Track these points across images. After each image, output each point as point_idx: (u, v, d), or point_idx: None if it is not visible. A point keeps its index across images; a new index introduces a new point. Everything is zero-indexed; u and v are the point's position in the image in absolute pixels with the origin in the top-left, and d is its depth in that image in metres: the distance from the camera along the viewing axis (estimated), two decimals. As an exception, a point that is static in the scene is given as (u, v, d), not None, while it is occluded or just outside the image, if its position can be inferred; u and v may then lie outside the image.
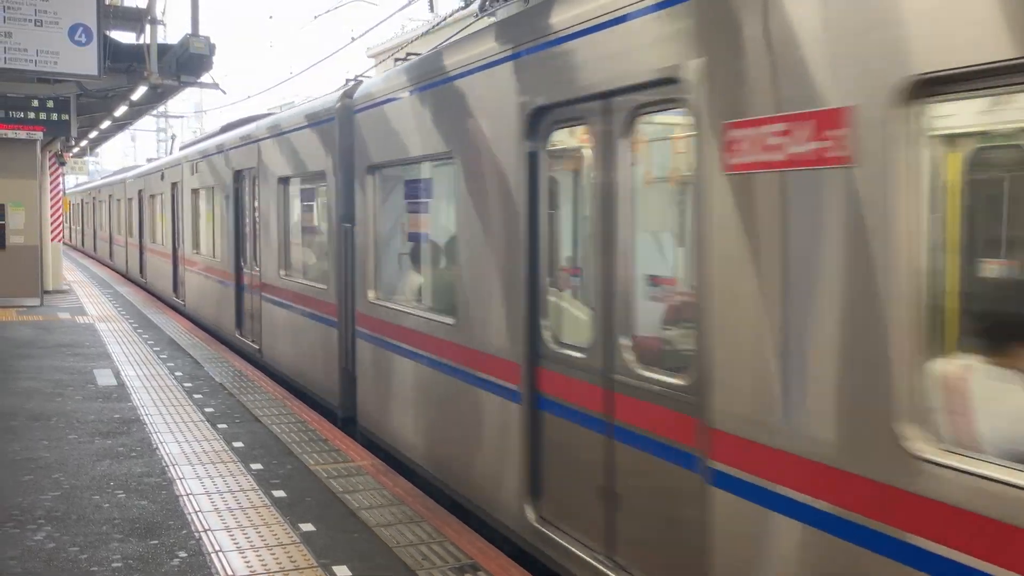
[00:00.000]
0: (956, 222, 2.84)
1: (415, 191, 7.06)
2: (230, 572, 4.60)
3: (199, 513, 5.47)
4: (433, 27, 16.06)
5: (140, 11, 12.87)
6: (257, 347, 10.78)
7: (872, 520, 2.77)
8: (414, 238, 7.20)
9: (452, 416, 5.67)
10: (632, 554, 4.01)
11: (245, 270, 11.46)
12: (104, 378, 9.84)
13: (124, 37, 13.18)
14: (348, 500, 5.76)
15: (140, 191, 21.48)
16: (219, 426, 7.68)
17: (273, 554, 4.83)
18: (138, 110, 18.78)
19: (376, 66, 27.60)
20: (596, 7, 4.11)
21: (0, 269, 16.47)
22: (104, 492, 5.90)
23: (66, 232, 42.59)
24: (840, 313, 2.88)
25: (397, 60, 7.32)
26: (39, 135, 15.87)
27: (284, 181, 9.62)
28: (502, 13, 6.35)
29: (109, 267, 28.59)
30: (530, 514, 4.73)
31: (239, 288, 11.77)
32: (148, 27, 12.40)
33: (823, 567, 2.98)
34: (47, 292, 18.12)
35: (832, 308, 2.91)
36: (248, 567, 4.66)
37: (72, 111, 14.57)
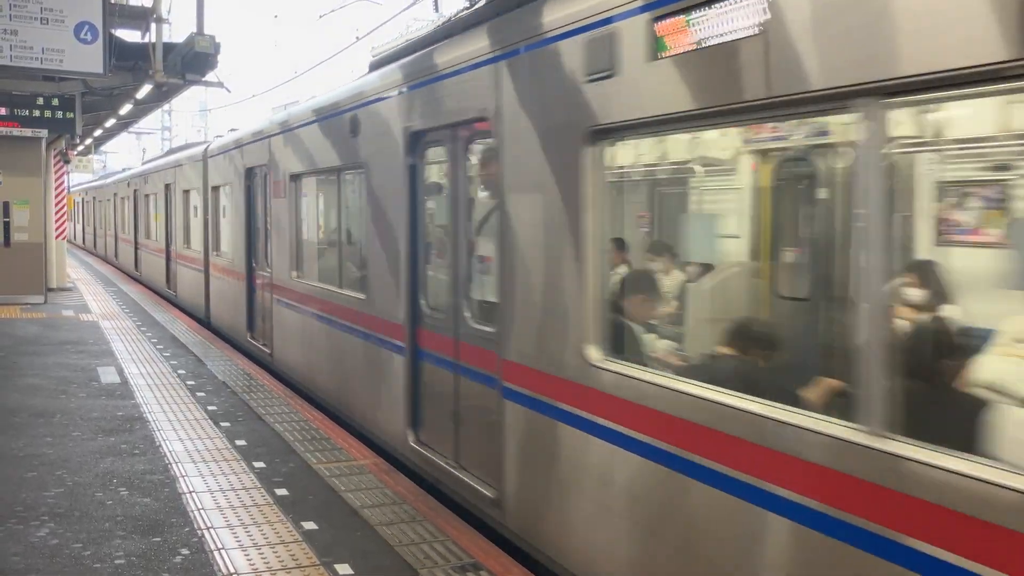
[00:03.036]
0: None
1: None
2: (232, 570, 4.61)
3: (202, 511, 5.48)
4: (438, 28, 16.05)
5: (145, 10, 12.88)
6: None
7: None
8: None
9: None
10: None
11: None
12: (107, 375, 9.86)
13: (129, 36, 13.20)
14: (350, 498, 5.77)
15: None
16: (222, 424, 7.69)
17: (275, 552, 4.84)
18: (143, 108, 18.80)
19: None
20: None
21: (5, 266, 16.50)
22: (107, 489, 5.92)
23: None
24: None
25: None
26: (44, 133, 15.91)
27: None
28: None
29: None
30: None
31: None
32: (153, 26, 12.42)
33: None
34: (51, 290, 18.16)
35: None
36: (250, 565, 4.67)
37: (77, 109, 14.60)
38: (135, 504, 5.62)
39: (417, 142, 6.25)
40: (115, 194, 28.20)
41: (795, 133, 4.21)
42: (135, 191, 23.25)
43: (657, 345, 4.59)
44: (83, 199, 41.44)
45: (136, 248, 23.37)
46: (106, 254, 31.96)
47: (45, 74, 12.46)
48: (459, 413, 5.74)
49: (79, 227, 44.42)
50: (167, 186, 17.84)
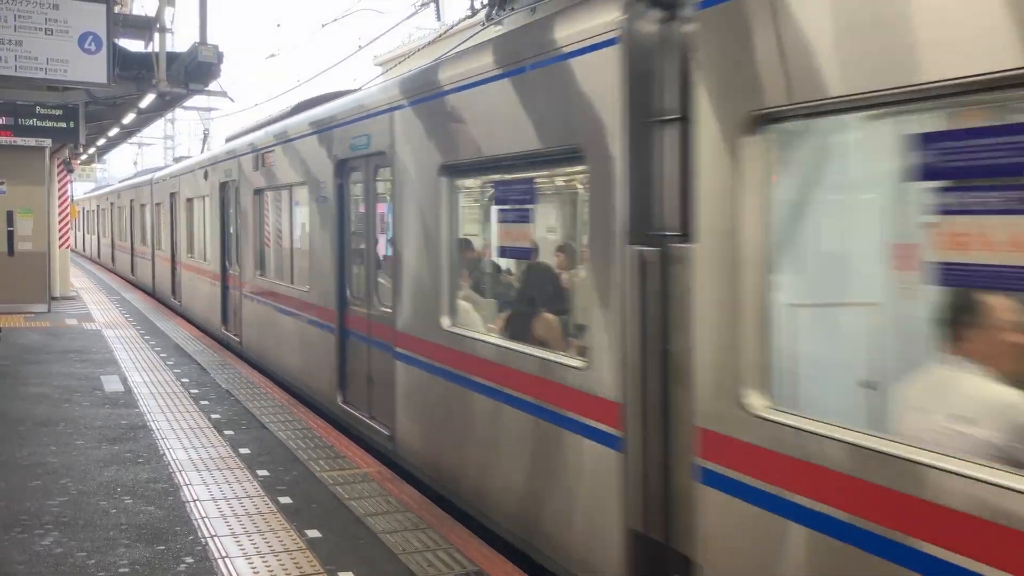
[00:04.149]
0: None
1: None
2: (236, 578, 4.62)
3: (206, 519, 5.49)
4: (440, 35, 16.13)
5: (149, 19, 12.95)
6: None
7: None
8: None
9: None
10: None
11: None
12: (111, 384, 9.88)
13: (133, 45, 13.27)
14: (354, 507, 5.77)
15: None
16: (225, 432, 7.70)
17: (279, 560, 4.85)
18: (146, 117, 18.86)
19: (383, 74, 27.71)
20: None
21: (8, 275, 16.55)
22: (111, 498, 5.93)
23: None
24: None
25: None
26: (47, 142, 15.96)
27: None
28: (508, 22, 6.39)
29: None
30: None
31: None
32: (157, 35, 12.48)
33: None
34: (55, 298, 18.20)
35: None
36: (254, 573, 4.68)
37: (80, 118, 14.65)
38: (139, 512, 5.63)
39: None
40: (172, 193, 18.00)
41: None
42: (221, 186, 13.29)
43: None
44: (111, 204, 30.09)
45: (226, 287, 13.33)
46: (154, 287, 21.01)
47: (49, 84, 12.52)
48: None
49: (101, 241, 34.95)
50: (344, 164, 8.01)
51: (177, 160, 23.06)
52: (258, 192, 11.25)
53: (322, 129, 8.55)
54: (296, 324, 9.50)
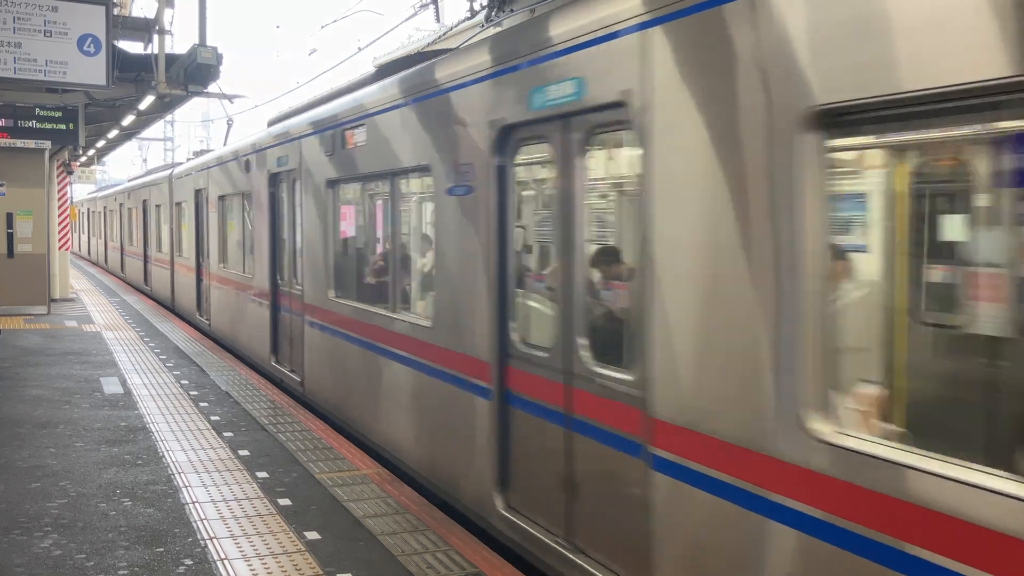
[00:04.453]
0: None
1: None
2: (236, 580, 4.62)
3: (205, 521, 5.49)
4: (440, 37, 16.14)
5: (148, 21, 12.95)
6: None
7: None
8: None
9: None
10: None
11: None
12: (111, 386, 9.87)
13: (132, 47, 13.27)
14: (353, 508, 5.77)
15: None
16: (225, 434, 7.70)
17: (278, 562, 4.85)
18: (145, 119, 18.87)
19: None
20: None
21: (8, 277, 16.56)
22: (110, 500, 5.92)
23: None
24: None
25: None
26: (47, 144, 15.98)
27: None
28: (508, 23, 6.40)
29: None
30: None
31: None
32: (156, 37, 12.48)
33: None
34: (54, 300, 18.21)
35: None
36: (254, 575, 4.67)
37: (80, 121, 14.65)
38: (138, 515, 5.63)
39: None
40: (198, 190, 15.19)
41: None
42: (271, 178, 10.42)
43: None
44: (120, 204, 26.73)
45: (276, 309, 10.48)
46: (174, 301, 18.13)
47: (48, 86, 12.52)
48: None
49: (109, 246, 30.72)
50: (511, 132, 5.14)
51: (199, 154, 19.42)
52: (333, 184, 8.33)
53: (467, 82, 5.55)
54: (410, 375, 6.61)
